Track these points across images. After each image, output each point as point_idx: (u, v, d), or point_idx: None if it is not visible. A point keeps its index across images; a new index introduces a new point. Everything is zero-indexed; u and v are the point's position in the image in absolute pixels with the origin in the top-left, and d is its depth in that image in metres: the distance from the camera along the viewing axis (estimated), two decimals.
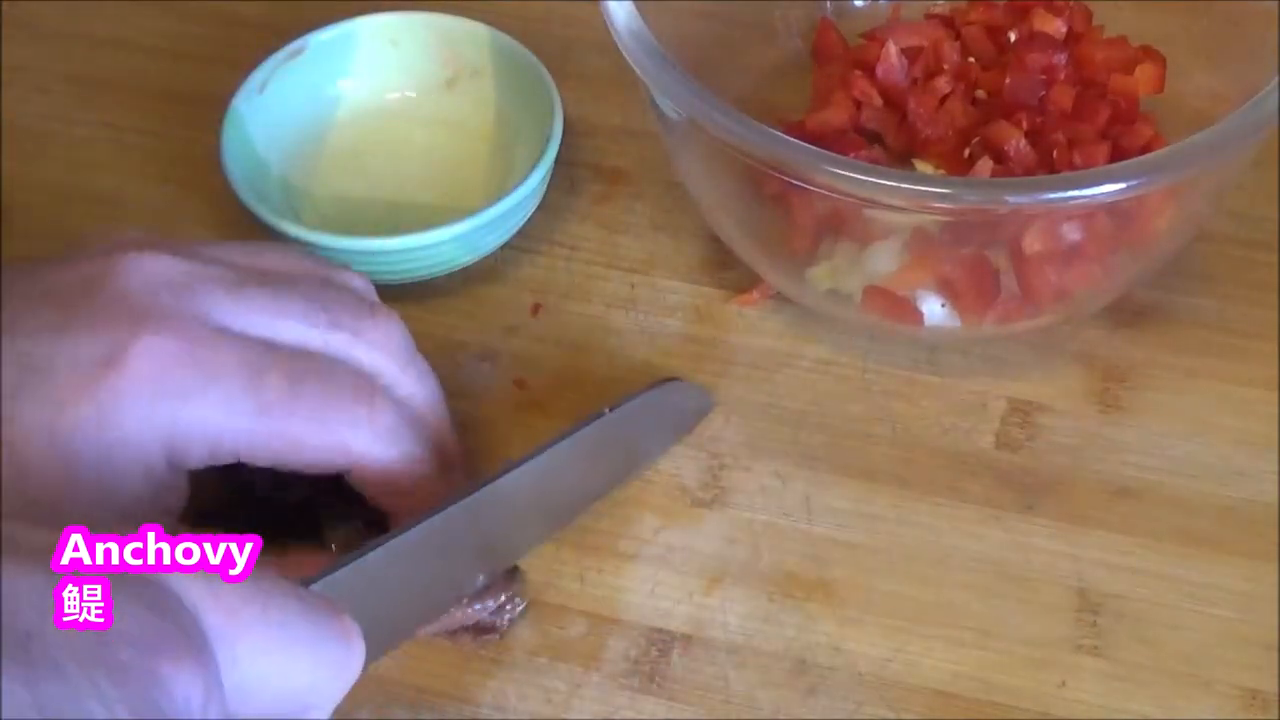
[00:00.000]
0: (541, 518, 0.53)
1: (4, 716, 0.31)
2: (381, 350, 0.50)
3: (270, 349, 0.47)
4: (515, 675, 0.51)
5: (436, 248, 0.59)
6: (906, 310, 0.57)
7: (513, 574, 0.52)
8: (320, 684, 0.40)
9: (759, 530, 0.55)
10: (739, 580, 0.53)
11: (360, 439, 0.48)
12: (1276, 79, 0.52)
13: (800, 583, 0.53)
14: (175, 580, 0.37)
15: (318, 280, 0.50)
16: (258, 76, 0.64)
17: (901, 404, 0.58)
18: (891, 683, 0.51)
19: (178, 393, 0.45)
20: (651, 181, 0.66)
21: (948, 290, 0.56)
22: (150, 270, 0.47)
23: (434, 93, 0.67)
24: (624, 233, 0.64)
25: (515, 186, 0.60)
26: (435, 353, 0.59)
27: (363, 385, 0.49)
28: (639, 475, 0.56)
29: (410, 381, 0.51)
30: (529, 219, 0.62)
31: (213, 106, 0.63)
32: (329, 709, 0.41)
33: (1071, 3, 0.64)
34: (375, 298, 0.52)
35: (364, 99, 0.67)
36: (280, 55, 0.64)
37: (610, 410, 0.54)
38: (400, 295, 0.61)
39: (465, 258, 0.60)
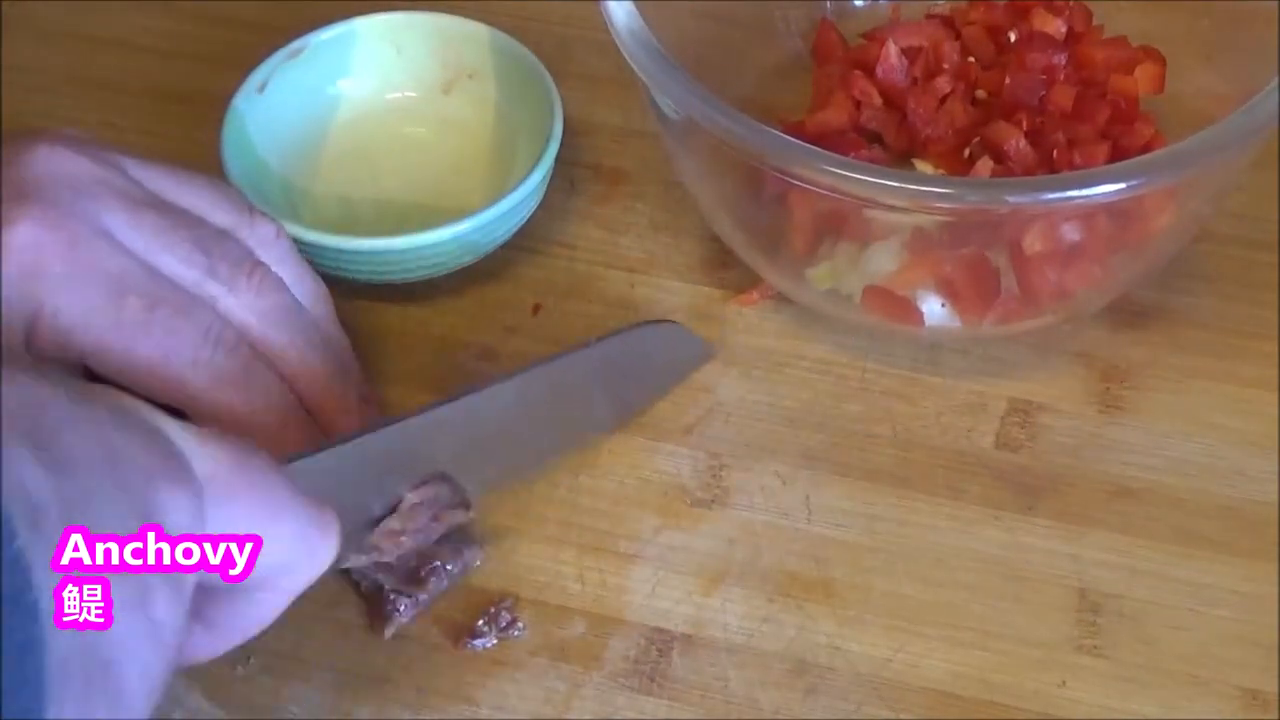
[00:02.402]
0: (515, 447, 0.55)
1: (30, 494, 0.34)
2: (249, 308, 0.52)
3: (141, 271, 0.49)
4: (515, 675, 0.51)
5: (436, 248, 0.59)
6: (906, 310, 0.57)
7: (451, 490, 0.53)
8: (293, 563, 0.42)
9: (759, 530, 0.55)
10: (739, 580, 0.53)
11: (198, 378, 0.50)
12: (1276, 79, 0.52)
13: (800, 583, 0.53)
14: (177, 434, 0.39)
15: (215, 228, 0.52)
16: (258, 76, 0.64)
17: (901, 404, 0.58)
18: (891, 683, 0.51)
19: (45, 278, 0.48)
20: (651, 181, 0.66)
21: (948, 290, 0.56)
22: (58, 164, 0.49)
23: (434, 93, 0.67)
24: (624, 233, 0.64)
25: (515, 186, 0.60)
26: (435, 353, 0.60)
27: (215, 329, 0.50)
28: (633, 419, 0.57)
29: (280, 342, 0.52)
30: (529, 219, 0.62)
31: (213, 106, 0.63)
32: (296, 590, 0.43)
33: (1071, 3, 0.64)
34: (277, 252, 0.54)
35: (364, 99, 0.67)
36: (280, 55, 0.64)
37: (596, 341, 0.56)
38: (400, 295, 0.61)
39: (465, 258, 0.60)
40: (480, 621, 0.52)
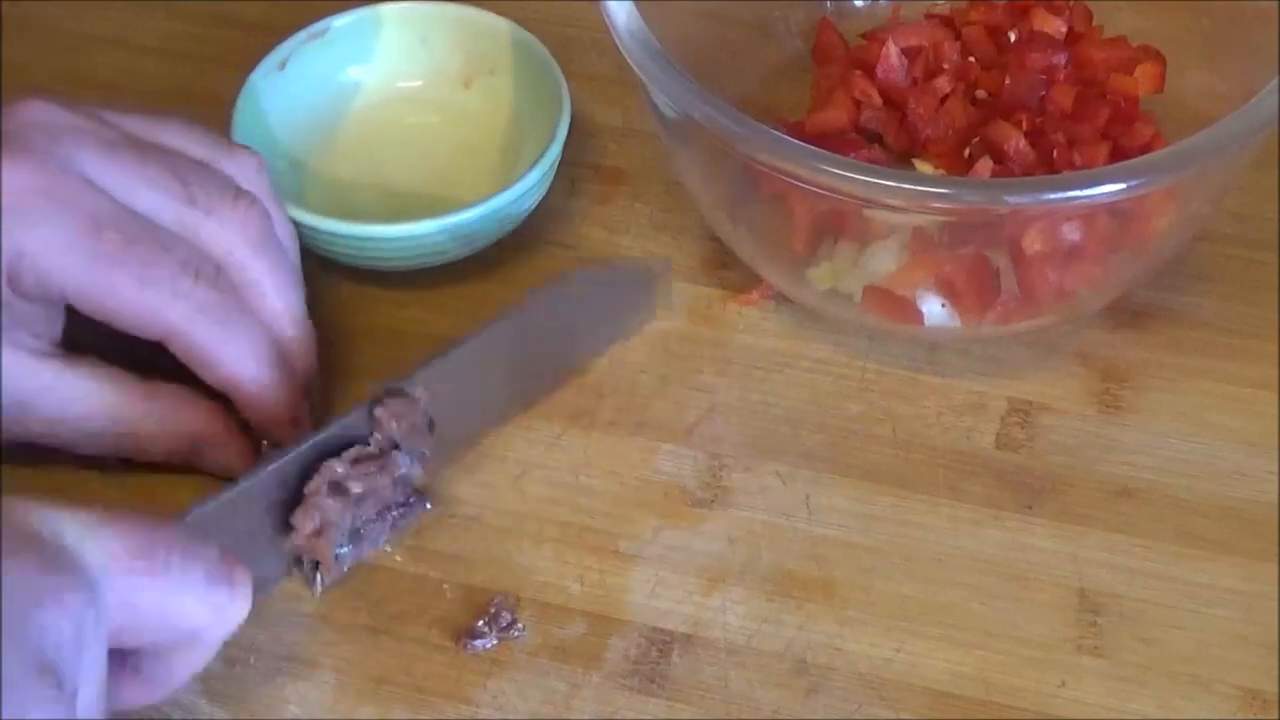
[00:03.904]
0: (471, 410, 0.56)
1: None
2: (235, 232, 0.53)
3: (118, 209, 0.50)
4: (515, 675, 0.51)
5: (431, 237, 0.59)
6: (906, 310, 0.57)
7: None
8: (206, 625, 0.44)
9: (759, 530, 0.55)
10: (739, 580, 0.53)
11: (176, 309, 0.51)
12: (1276, 79, 0.52)
13: (800, 583, 0.53)
14: (71, 530, 0.40)
15: (192, 159, 0.53)
16: (279, 54, 0.64)
17: (901, 404, 0.58)
18: (891, 683, 0.51)
19: (24, 218, 0.49)
20: (651, 181, 0.66)
21: (948, 290, 0.56)
22: (35, 115, 0.51)
23: (450, 85, 0.67)
24: (624, 233, 0.64)
25: (514, 182, 0.59)
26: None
27: (192, 261, 0.51)
28: (604, 350, 0.59)
29: (260, 269, 0.53)
30: (529, 218, 0.62)
31: (213, 106, 0.63)
32: (216, 644, 0.45)
33: (1071, 3, 0.64)
34: (256, 187, 0.55)
35: (381, 86, 0.67)
36: (301, 35, 0.65)
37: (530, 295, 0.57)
38: (399, 294, 0.61)
39: (464, 249, 0.60)
40: (480, 622, 0.52)
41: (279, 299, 0.54)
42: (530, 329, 0.57)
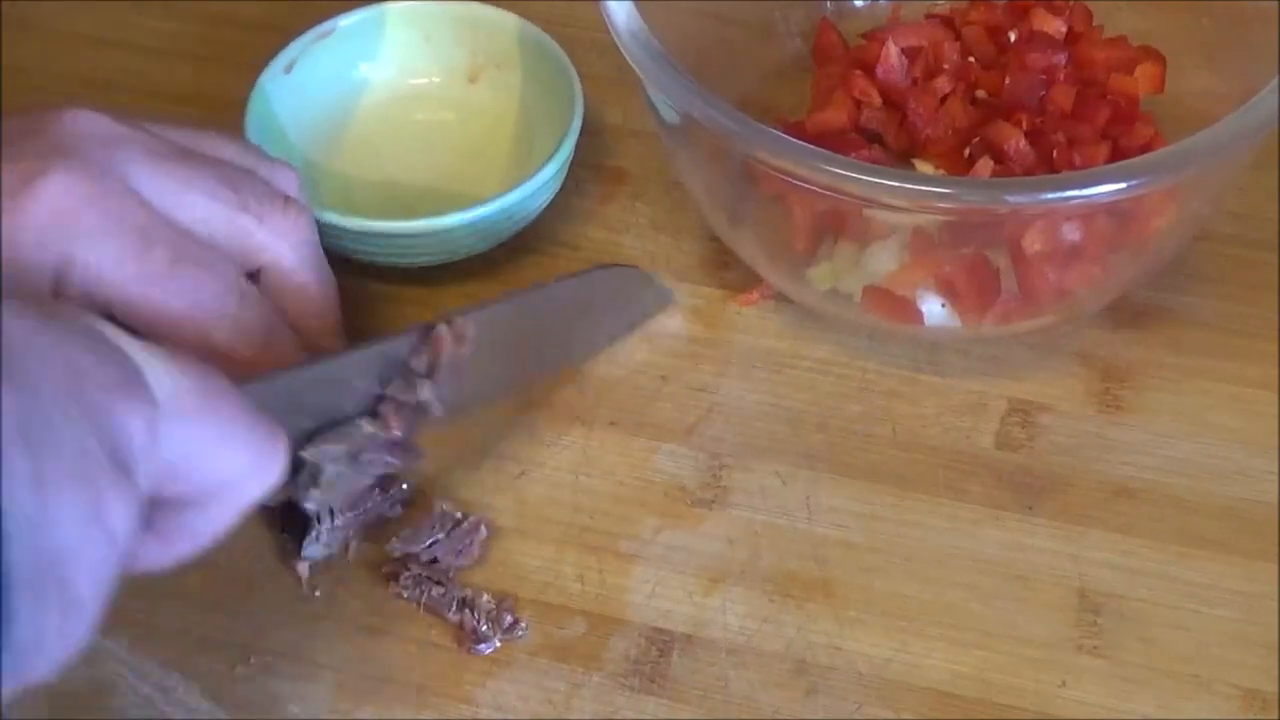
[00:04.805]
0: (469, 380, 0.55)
1: None
2: (285, 239, 0.53)
3: (168, 226, 0.51)
4: (515, 675, 0.51)
5: (450, 233, 0.59)
6: (906, 310, 0.57)
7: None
8: (242, 479, 0.43)
9: (759, 530, 0.55)
10: (739, 580, 0.53)
11: (222, 330, 0.51)
12: (1276, 79, 0.52)
13: (800, 583, 0.53)
14: (139, 355, 0.40)
15: (239, 168, 0.53)
16: (286, 55, 0.64)
17: (901, 404, 0.58)
18: (891, 683, 0.51)
19: (75, 229, 0.49)
20: (651, 181, 0.66)
21: (948, 290, 0.56)
22: (84, 124, 0.51)
23: (460, 80, 0.67)
24: (624, 233, 0.64)
25: (525, 180, 0.59)
26: None
27: (240, 284, 0.52)
28: (587, 359, 0.59)
29: (306, 276, 0.54)
30: (530, 219, 0.62)
31: (213, 106, 0.63)
32: (244, 504, 0.44)
33: (1071, 3, 0.64)
34: (295, 194, 0.55)
35: (389, 84, 0.67)
36: (308, 36, 0.65)
37: (555, 281, 0.58)
38: (402, 294, 0.61)
39: (476, 245, 0.60)
40: (484, 625, 0.52)
41: (322, 308, 0.54)
42: (550, 308, 0.57)
